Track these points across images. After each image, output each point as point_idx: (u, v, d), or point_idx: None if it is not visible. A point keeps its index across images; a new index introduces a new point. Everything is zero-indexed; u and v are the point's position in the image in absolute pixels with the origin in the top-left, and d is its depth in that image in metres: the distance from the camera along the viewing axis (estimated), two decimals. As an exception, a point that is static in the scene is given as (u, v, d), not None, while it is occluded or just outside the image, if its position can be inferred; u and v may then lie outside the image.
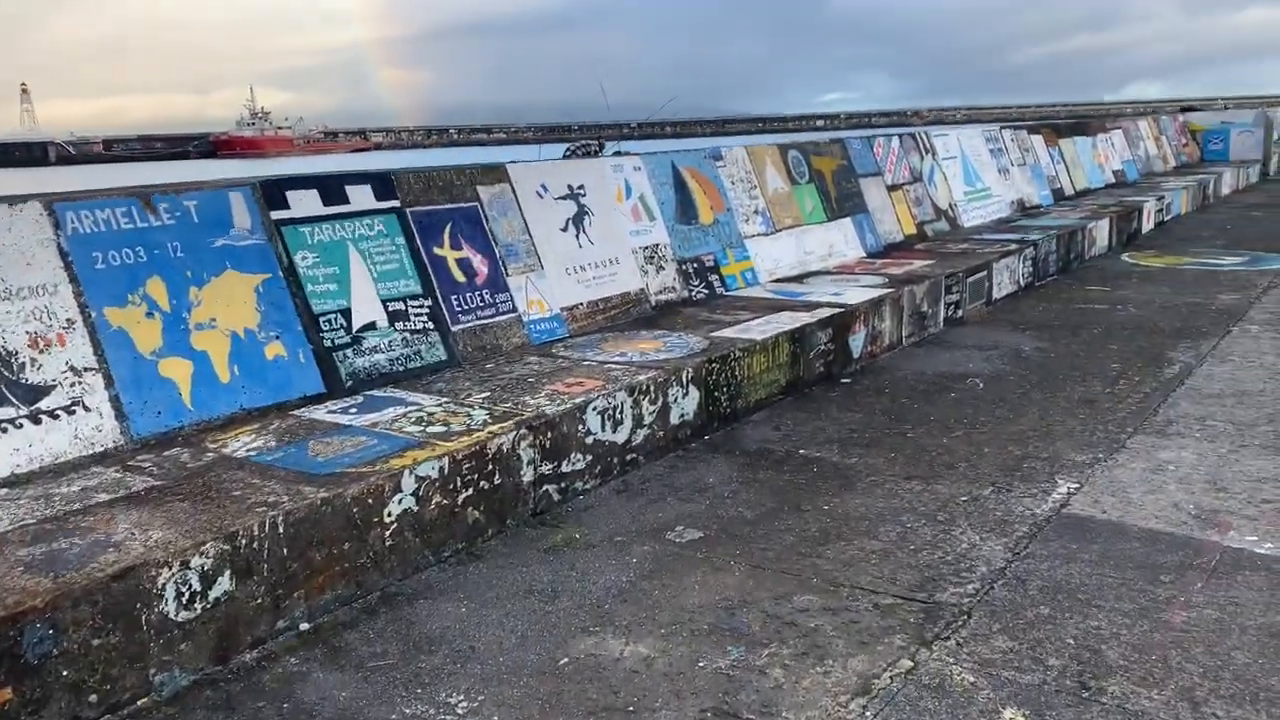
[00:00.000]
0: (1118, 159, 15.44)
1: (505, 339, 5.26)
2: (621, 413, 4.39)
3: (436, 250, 5.10)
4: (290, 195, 4.63)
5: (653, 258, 6.42)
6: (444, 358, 4.91)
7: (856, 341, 6.24)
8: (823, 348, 5.89)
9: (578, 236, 5.94)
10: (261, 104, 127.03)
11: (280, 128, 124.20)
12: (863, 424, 5.11)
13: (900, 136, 9.90)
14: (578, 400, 4.24)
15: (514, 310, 5.37)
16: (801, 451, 4.71)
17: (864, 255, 8.47)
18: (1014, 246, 8.76)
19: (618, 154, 12.08)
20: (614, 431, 4.35)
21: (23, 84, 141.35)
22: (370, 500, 3.37)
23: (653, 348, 5.23)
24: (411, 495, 3.49)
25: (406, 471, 3.48)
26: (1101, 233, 10.64)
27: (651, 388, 4.57)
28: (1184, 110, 22.49)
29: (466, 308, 5.12)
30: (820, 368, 5.89)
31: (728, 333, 5.57)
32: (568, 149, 13.92)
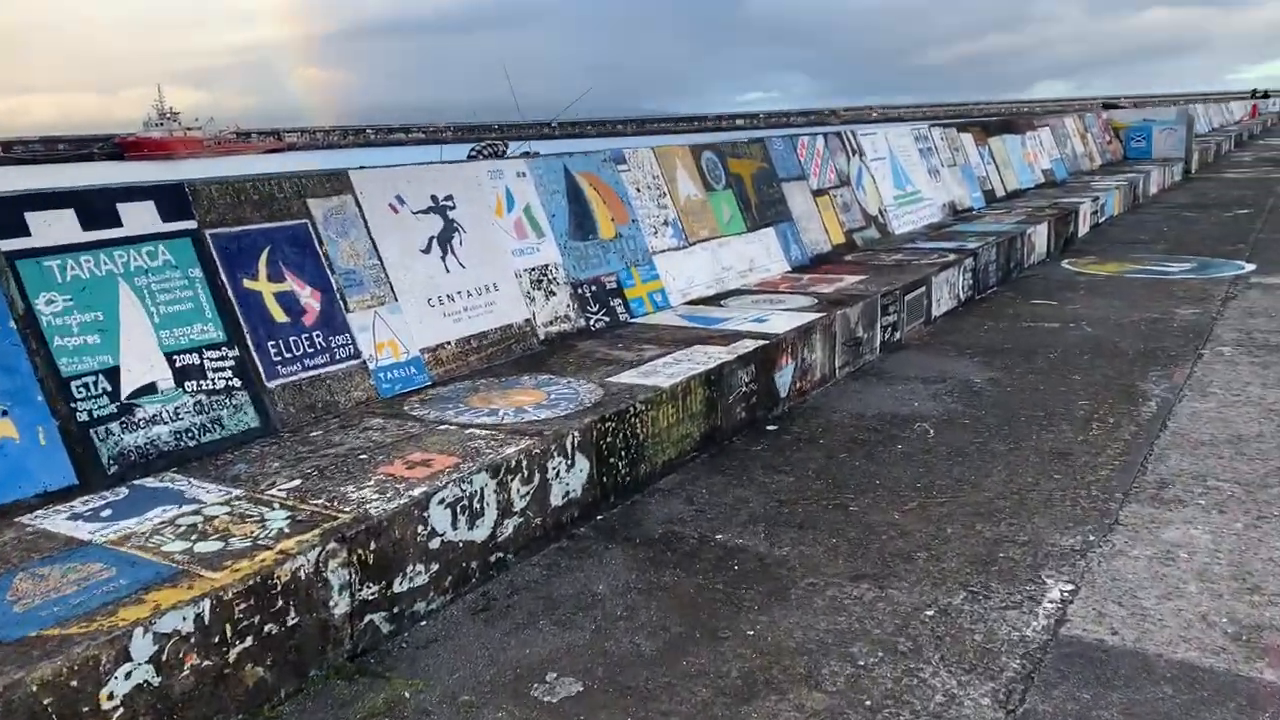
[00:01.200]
0: (1046, 158, 14.84)
1: (344, 393, 4.15)
2: (482, 501, 3.32)
3: (248, 283, 3.97)
4: (31, 218, 3.45)
5: (541, 281, 5.36)
6: (256, 424, 3.78)
7: (783, 378, 5.27)
8: (744, 389, 4.90)
9: (444, 259, 4.85)
10: (170, 104, 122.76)
11: (189, 128, 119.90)
12: (794, 491, 4.12)
13: (825, 136, 8.99)
14: (417, 492, 3.16)
15: (356, 355, 4.26)
16: (719, 537, 3.70)
17: (789, 269, 7.52)
18: (952, 257, 7.90)
19: (525, 155, 11.05)
20: (470, 528, 3.28)
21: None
22: (76, 682, 2.26)
23: (533, 400, 4.17)
24: (149, 664, 2.38)
25: (139, 630, 2.37)
26: (1040, 238, 9.88)
27: (524, 462, 3.51)
28: (1105, 107, 22.20)
29: (289, 356, 4.00)
30: (742, 413, 4.89)
31: (629, 376, 4.54)
32: (472, 149, 12.81)
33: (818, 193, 8.43)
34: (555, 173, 5.74)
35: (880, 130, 10.13)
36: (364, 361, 4.27)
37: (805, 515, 3.87)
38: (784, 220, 7.78)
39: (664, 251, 6.34)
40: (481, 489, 3.31)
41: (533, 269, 5.33)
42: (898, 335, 6.71)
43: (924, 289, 7.12)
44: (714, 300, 6.39)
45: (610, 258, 5.89)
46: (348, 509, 3.02)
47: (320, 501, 3.09)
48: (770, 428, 5.00)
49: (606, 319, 5.67)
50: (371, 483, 3.23)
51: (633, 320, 5.81)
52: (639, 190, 6.33)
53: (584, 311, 5.56)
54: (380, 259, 4.52)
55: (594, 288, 5.69)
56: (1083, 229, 11.39)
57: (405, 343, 4.47)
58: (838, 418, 5.12)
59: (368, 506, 3.04)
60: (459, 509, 3.22)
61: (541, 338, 5.22)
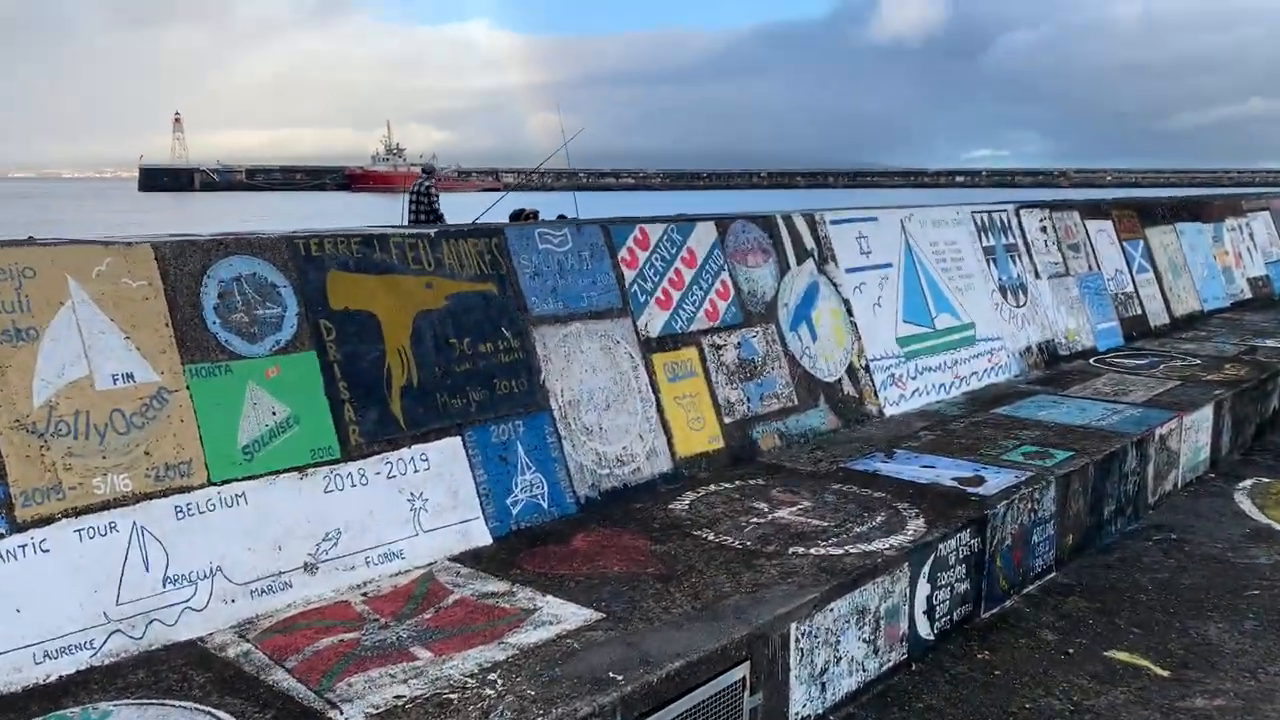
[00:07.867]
0: (1259, 260, 9.52)
1: None
2: None
3: None
4: None
5: None
6: None
7: None
8: None
9: None
10: (397, 140, 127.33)
11: (413, 165, 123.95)
12: None
13: (726, 225, 4.49)
14: None
15: None
16: None
17: (484, 544, 3.15)
18: (909, 533, 3.27)
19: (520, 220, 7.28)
20: None
21: (175, 114, 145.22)
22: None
23: None
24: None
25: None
26: (1196, 436, 4.99)
27: None
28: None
29: None
30: None
31: None
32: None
33: (662, 342, 3.98)
34: None
35: (888, 215, 5.47)
36: None
37: None
38: (517, 413, 3.39)
39: None
40: None
41: None
42: None
43: (744, 672, 2.55)
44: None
45: None
46: None
47: None
48: None
49: None
50: None
51: None
52: None
53: None
54: None
55: None
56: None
57: None
58: None
59: None
60: None
61: None
